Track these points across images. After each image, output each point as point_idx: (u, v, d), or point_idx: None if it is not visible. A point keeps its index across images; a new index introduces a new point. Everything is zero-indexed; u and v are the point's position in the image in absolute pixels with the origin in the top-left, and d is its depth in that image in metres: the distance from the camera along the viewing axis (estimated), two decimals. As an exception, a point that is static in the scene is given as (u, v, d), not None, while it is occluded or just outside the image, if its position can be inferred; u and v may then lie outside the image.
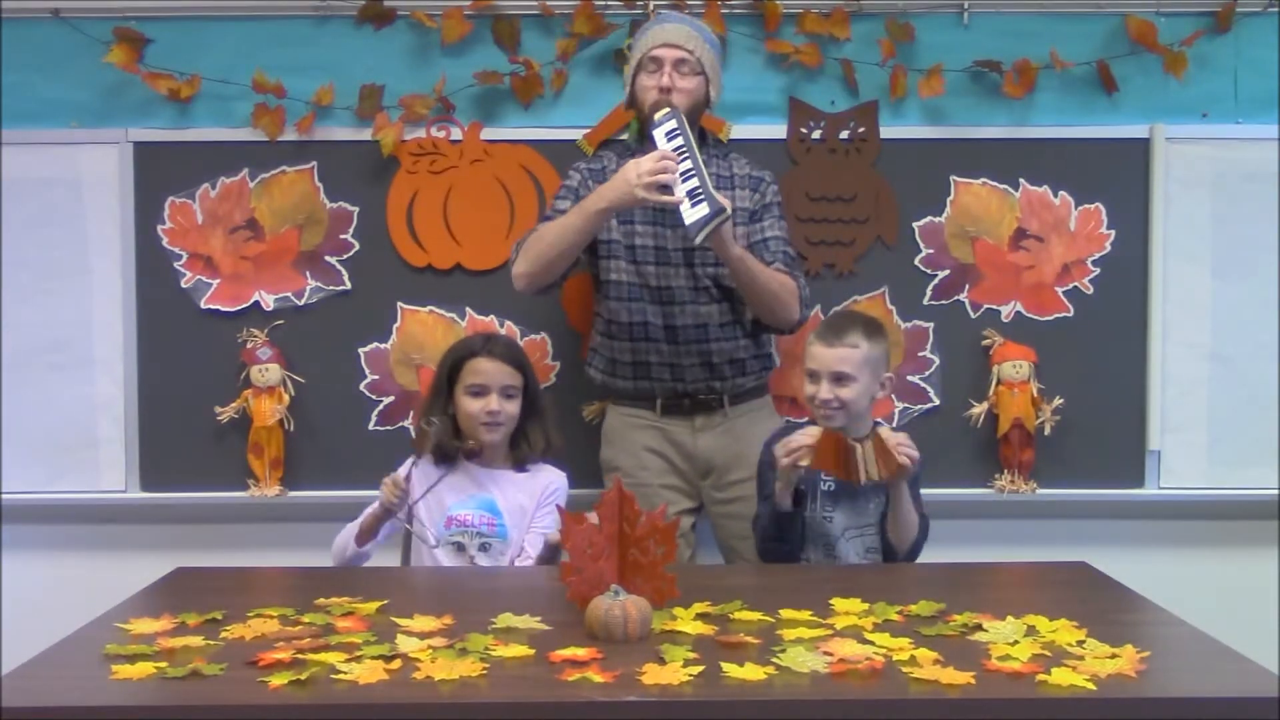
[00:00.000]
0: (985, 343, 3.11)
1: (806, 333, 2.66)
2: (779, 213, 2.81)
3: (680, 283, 2.73)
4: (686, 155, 2.54)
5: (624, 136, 3.05)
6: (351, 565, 2.54)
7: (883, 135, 3.09)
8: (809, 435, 2.36)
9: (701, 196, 2.48)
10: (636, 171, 2.50)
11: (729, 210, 2.49)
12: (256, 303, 3.11)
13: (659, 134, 2.61)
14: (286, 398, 3.07)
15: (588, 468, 2.91)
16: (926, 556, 2.55)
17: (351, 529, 2.55)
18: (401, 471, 2.61)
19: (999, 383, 3.07)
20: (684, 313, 2.73)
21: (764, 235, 2.76)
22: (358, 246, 3.11)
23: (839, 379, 2.47)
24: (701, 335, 2.74)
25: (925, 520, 2.50)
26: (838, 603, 2.02)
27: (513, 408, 2.59)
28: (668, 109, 2.63)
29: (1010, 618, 1.91)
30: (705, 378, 2.75)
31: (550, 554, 2.51)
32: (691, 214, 2.48)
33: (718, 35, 2.88)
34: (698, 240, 2.50)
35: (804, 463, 2.36)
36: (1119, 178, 3.10)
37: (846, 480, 2.40)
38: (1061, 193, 3.11)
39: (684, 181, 2.51)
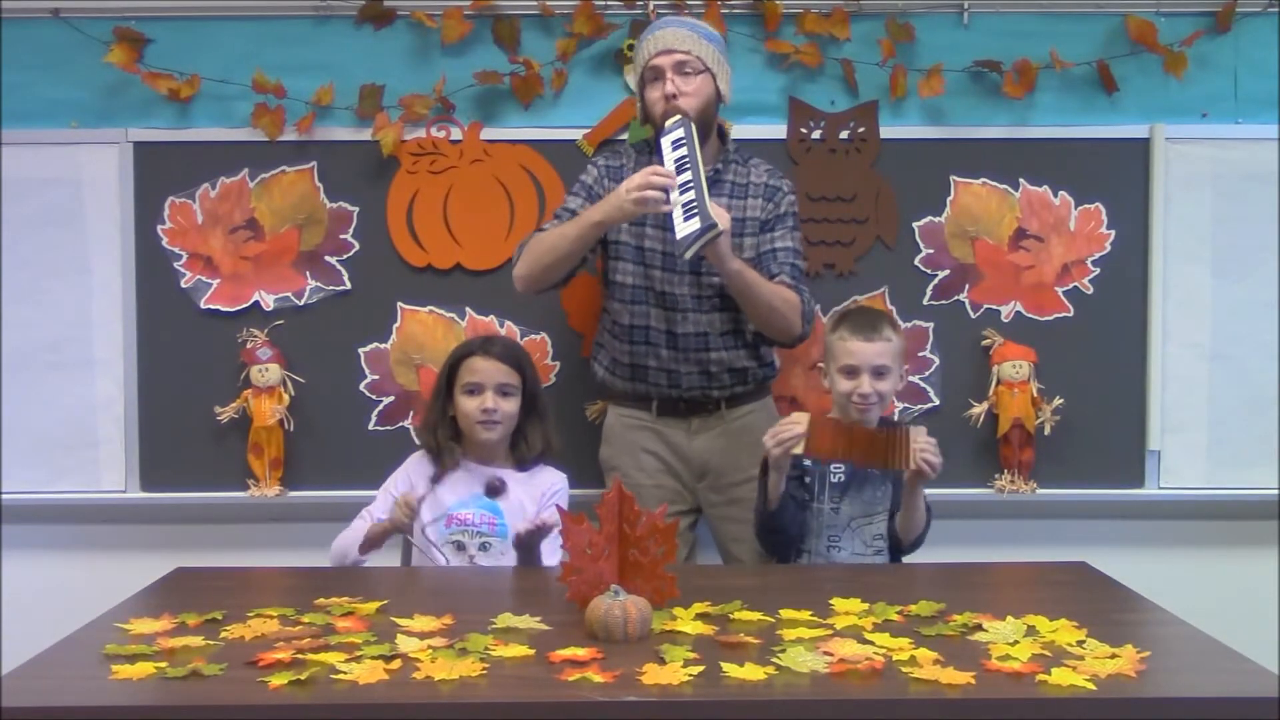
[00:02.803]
0: (985, 343, 3.11)
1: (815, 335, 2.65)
2: (793, 224, 2.78)
3: (684, 290, 2.72)
4: (688, 166, 2.52)
5: (623, 137, 3.05)
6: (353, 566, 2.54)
7: (883, 135, 3.09)
8: (798, 423, 2.36)
9: (695, 210, 2.47)
10: (627, 186, 2.51)
11: (720, 227, 2.45)
12: (256, 303, 3.11)
13: (665, 142, 2.59)
14: (286, 398, 3.07)
15: (589, 468, 2.91)
16: (927, 556, 2.56)
17: (352, 535, 2.53)
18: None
19: (999, 383, 3.07)
20: (686, 320, 2.72)
21: (773, 245, 2.73)
22: (358, 246, 3.11)
23: (879, 373, 2.50)
24: (701, 344, 2.72)
25: (929, 512, 2.52)
26: (838, 603, 2.02)
27: (509, 406, 2.59)
28: (677, 117, 2.61)
29: (1010, 618, 1.91)
30: (702, 385, 2.74)
31: (525, 541, 2.46)
32: (683, 228, 2.47)
33: (717, 31, 2.84)
34: (686, 255, 2.48)
35: (797, 451, 2.36)
36: (1119, 178, 3.10)
37: (847, 462, 2.41)
38: (1061, 193, 3.11)
39: (682, 193, 2.49)
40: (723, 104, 2.76)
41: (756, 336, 2.75)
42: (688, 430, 2.78)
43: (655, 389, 2.76)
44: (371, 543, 2.50)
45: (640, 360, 2.76)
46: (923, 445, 2.36)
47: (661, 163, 2.57)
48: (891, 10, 3.07)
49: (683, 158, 2.54)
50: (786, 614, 1.96)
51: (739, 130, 3.03)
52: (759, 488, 2.57)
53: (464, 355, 2.62)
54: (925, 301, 3.12)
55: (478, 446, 2.61)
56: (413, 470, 2.64)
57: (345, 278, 3.11)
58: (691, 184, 2.50)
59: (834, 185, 3.09)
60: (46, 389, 3.11)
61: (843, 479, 2.53)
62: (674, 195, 2.48)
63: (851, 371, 2.51)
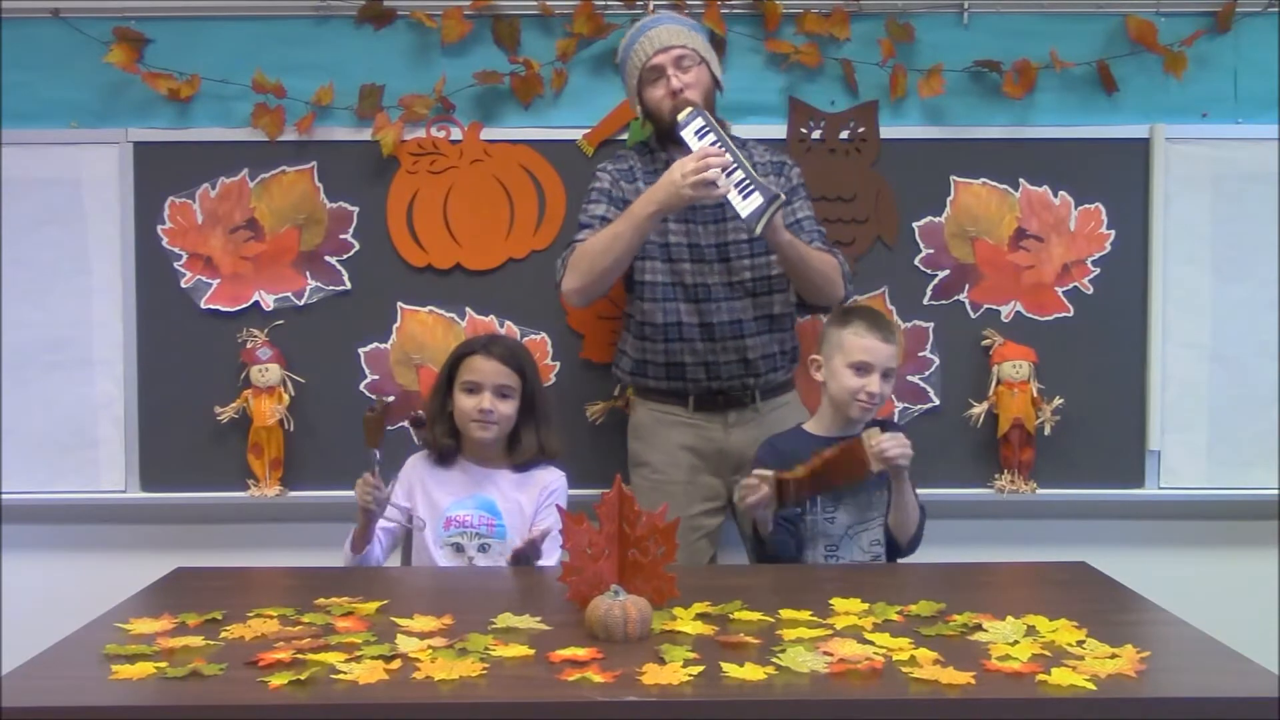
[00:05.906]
0: (985, 343, 3.11)
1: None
2: (805, 194, 2.82)
3: (715, 280, 2.73)
4: (724, 149, 2.54)
5: (623, 137, 3.05)
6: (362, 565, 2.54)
7: (883, 135, 3.09)
8: (764, 481, 2.35)
9: (752, 187, 2.49)
10: (681, 172, 2.50)
11: (782, 196, 2.49)
12: (256, 303, 3.11)
13: (688, 135, 2.60)
14: (286, 398, 3.07)
15: (589, 468, 2.91)
16: (927, 556, 2.56)
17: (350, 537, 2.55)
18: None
19: (999, 383, 3.07)
20: (719, 310, 2.72)
21: (796, 217, 2.76)
22: (358, 246, 3.11)
23: (887, 375, 2.51)
24: (736, 331, 2.73)
25: (922, 512, 2.52)
26: (838, 603, 2.02)
27: (506, 408, 2.59)
28: (689, 109, 2.62)
29: (1010, 618, 1.91)
30: (740, 374, 2.74)
31: (522, 556, 2.45)
32: (745, 206, 2.48)
33: (701, 22, 2.86)
34: (758, 230, 2.50)
35: (769, 510, 2.37)
36: (1119, 178, 3.10)
37: (825, 493, 2.44)
38: (1061, 193, 3.11)
39: (729, 175, 2.51)
40: (720, 90, 2.78)
41: (801, 306, 2.80)
42: (725, 424, 2.77)
43: (693, 384, 2.76)
44: (359, 537, 2.51)
45: (676, 357, 2.75)
46: (876, 445, 2.35)
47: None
48: (891, 10, 3.07)
49: (715, 142, 2.56)
50: (786, 614, 1.96)
51: (739, 130, 3.01)
52: (745, 521, 2.56)
53: (466, 353, 2.63)
54: (925, 301, 3.12)
55: (474, 445, 2.61)
56: (410, 472, 2.64)
57: (345, 278, 3.11)
58: (735, 164, 2.52)
59: (834, 185, 3.09)
60: (46, 389, 3.11)
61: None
62: (722, 179, 2.49)
63: (863, 368, 2.49)
